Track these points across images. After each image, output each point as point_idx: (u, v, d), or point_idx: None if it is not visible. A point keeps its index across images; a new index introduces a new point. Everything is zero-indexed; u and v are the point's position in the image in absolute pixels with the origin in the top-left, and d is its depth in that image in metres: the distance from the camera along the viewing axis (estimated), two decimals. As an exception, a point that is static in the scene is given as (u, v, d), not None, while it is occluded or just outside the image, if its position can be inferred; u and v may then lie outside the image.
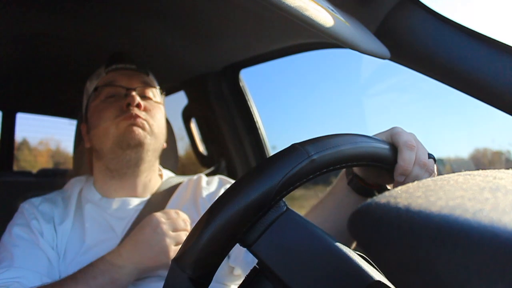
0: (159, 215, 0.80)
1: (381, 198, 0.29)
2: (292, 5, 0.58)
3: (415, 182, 0.34)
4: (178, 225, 0.80)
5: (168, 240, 0.77)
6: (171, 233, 0.78)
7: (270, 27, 1.12)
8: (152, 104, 0.97)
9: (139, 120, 0.91)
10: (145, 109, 0.93)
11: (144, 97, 0.96)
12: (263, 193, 0.40)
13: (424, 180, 0.35)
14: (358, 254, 0.44)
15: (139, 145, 0.91)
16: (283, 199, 0.43)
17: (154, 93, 1.00)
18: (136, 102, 0.91)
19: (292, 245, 0.40)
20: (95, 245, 0.86)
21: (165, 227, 0.78)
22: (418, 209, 0.26)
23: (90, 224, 0.89)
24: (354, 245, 0.76)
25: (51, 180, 1.84)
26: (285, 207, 0.43)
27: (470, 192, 0.28)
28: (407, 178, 0.57)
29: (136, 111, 0.91)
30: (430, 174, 0.59)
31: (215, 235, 0.40)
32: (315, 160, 0.42)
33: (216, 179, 1.03)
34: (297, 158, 0.42)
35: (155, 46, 1.30)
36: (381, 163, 0.54)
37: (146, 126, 0.92)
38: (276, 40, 1.22)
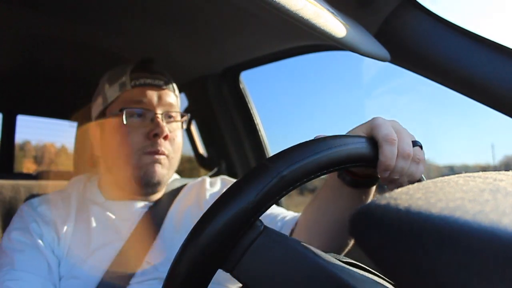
0: None
1: (381, 200, 0.29)
2: (292, 8, 0.58)
3: (415, 184, 0.34)
4: None
5: None
6: None
7: (270, 29, 1.12)
8: (175, 129, 0.94)
9: (162, 158, 0.89)
10: (170, 139, 0.91)
11: (168, 117, 0.93)
12: (235, 217, 0.39)
13: (424, 182, 0.35)
14: (346, 262, 0.43)
15: (157, 184, 0.91)
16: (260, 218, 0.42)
17: (178, 113, 0.97)
18: (164, 134, 0.88)
19: (272, 265, 0.40)
20: (101, 247, 0.86)
21: None
22: (418, 210, 0.26)
23: (95, 226, 0.89)
24: (350, 245, 0.76)
25: (51, 181, 1.84)
26: (262, 227, 0.42)
27: (470, 194, 0.28)
28: (392, 172, 0.54)
29: (162, 145, 0.88)
30: (418, 162, 0.56)
31: (195, 263, 0.39)
32: (285, 177, 0.41)
33: (218, 180, 1.03)
34: (266, 177, 0.40)
35: (156, 48, 1.30)
36: (361, 162, 0.51)
37: (167, 162, 0.91)
38: (277, 42, 1.22)
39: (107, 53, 1.32)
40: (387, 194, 0.30)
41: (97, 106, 0.97)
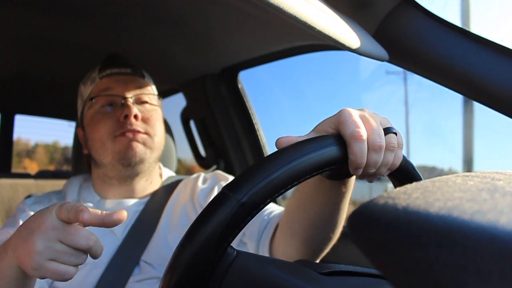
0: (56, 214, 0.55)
1: (379, 199, 0.29)
2: (290, 8, 0.58)
3: (413, 184, 0.34)
4: (73, 241, 0.55)
5: (43, 243, 0.53)
6: (55, 242, 0.54)
7: (269, 29, 1.12)
8: (149, 110, 0.95)
9: (139, 136, 0.89)
10: (143, 119, 0.91)
11: (141, 102, 0.94)
12: (204, 249, 0.39)
13: (422, 181, 0.35)
14: (328, 272, 0.43)
15: (140, 162, 0.90)
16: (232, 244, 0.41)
17: (151, 96, 0.98)
18: (134, 113, 0.89)
19: None
20: None
21: (55, 232, 0.54)
22: (416, 210, 0.26)
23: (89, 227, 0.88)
24: (333, 239, 0.75)
25: (50, 181, 1.84)
26: (235, 253, 0.42)
27: (468, 193, 0.28)
28: (366, 167, 0.51)
29: (134, 124, 0.89)
30: (393, 150, 0.52)
31: None
32: (246, 203, 0.40)
33: (212, 175, 1.02)
34: (226, 208, 0.39)
35: (154, 48, 1.30)
36: (330, 167, 0.47)
37: (147, 140, 0.91)
38: (275, 42, 1.22)
39: (105, 53, 1.32)
40: (385, 194, 0.30)
41: (79, 109, 1.01)
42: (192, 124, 1.72)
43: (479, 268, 0.20)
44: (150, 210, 0.93)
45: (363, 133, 0.49)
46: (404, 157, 0.56)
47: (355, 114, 0.51)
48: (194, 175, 1.04)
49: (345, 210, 0.69)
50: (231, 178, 0.98)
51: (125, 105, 0.90)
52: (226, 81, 1.53)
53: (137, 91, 0.94)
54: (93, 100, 0.93)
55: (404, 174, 0.55)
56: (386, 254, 0.25)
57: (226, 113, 1.56)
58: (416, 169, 0.57)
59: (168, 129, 1.33)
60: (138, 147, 0.89)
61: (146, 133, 0.91)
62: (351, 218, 0.30)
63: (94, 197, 0.95)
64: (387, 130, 0.52)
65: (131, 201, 0.94)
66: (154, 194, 0.97)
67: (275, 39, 1.20)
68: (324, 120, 0.54)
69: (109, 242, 0.87)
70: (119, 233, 0.89)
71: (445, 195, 0.28)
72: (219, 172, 1.04)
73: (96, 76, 0.96)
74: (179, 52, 1.33)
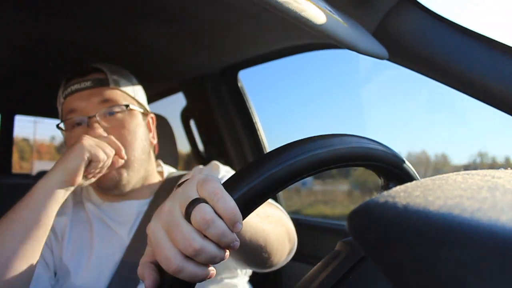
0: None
1: (380, 198, 0.29)
2: (290, 7, 0.58)
3: (414, 182, 0.34)
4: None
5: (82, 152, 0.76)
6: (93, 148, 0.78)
7: (268, 28, 1.12)
8: (120, 121, 0.90)
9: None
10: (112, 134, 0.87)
11: (109, 114, 0.90)
12: None
13: (422, 180, 0.35)
14: None
15: (117, 185, 0.89)
16: None
17: (119, 105, 0.91)
18: (97, 136, 0.84)
19: None
20: (105, 251, 0.86)
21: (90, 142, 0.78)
22: (417, 208, 0.26)
23: (96, 229, 0.89)
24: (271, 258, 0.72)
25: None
26: None
27: (469, 191, 0.28)
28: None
29: None
30: (208, 226, 0.40)
31: None
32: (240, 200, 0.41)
33: (208, 166, 1.00)
34: None
35: (154, 48, 1.30)
36: None
37: (119, 161, 0.86)
38: (275, 41, 1.22)
39: (105, 53, 1.32)
40: (385, 192, 0.30)
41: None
42: (192, 123, 1.73)
43: (479, 265, 0.20)
44: (153, 210, 0.92)
45: (174, 260, 0.40)
46: (397, 155, 0.51)
47: (158, 235, 0.42)
48: (194, 168, 1.03)
49: (263, 233, 0.66)
50: (224, 168, 0.97)
51: (90, 127, 0.87)
52: (226, 80, 1.53)
53: (102, 105, 0.89)
54: (61, 126, 0.92)
55: (402, 170, 0.52)
56: (387, 252, 0.26)
57: (226, 112, 1.56)
58: (411, 167, 0.54)
59: (168, 127, 1.33)
60: (114, 174, 0.87)
61: (116, 154, 0.87)
62: (352, 217, 0.30)
63: (96, 199, 0.95)
64: (191, 207, 0.41)
65: (135, 203, 0.93)
66: (156, 194, 0.96)
67: (275, 38, 1.20)
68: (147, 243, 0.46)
69: (117, 245, 0.87)
70: (125, 236, 0.89)
71: (446, 193, 0.28)
72: (215, 162, 1.00)
73: (61, 95, 0.93)
74: (179, 51, 1.33)
